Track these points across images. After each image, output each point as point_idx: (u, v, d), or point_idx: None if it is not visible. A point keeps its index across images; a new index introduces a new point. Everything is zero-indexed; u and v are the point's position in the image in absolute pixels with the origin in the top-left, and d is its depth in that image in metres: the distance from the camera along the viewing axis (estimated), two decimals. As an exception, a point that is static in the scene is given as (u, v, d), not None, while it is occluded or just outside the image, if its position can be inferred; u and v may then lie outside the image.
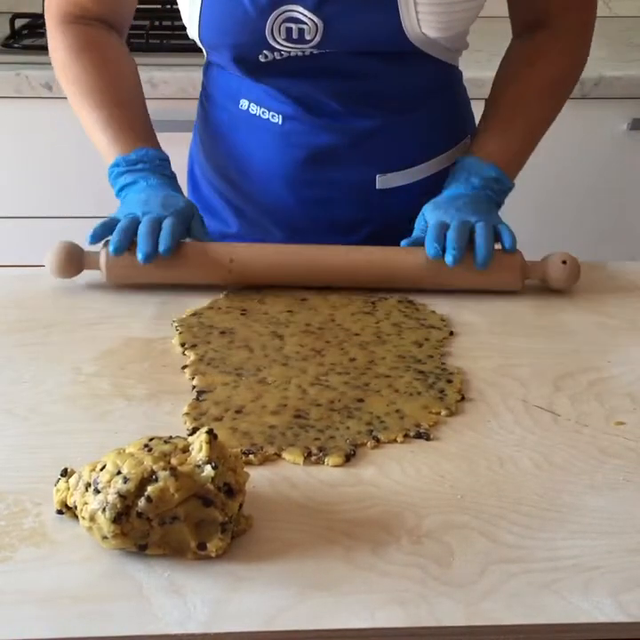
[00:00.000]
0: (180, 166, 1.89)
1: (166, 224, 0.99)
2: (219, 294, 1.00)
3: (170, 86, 1.81)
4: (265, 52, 1.04)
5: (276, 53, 1.04)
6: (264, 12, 1.00)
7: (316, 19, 1.00)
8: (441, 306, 1.00)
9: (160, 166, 1.08)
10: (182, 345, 0.91)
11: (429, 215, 1.04)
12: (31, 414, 0.80)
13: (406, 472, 0.74)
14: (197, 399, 0.82)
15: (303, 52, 1.03)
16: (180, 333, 0.93)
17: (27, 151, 1.90)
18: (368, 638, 0.60)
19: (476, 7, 1.05)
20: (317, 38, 1.01)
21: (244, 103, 1.12)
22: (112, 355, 0.89)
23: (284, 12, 1.00)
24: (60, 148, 1.88)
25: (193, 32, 1.06)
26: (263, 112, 1.11)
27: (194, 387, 0.84)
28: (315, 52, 1.03)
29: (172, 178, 1.09)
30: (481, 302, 1.01)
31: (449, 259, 0.98)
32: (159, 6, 2.03)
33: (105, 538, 0.63)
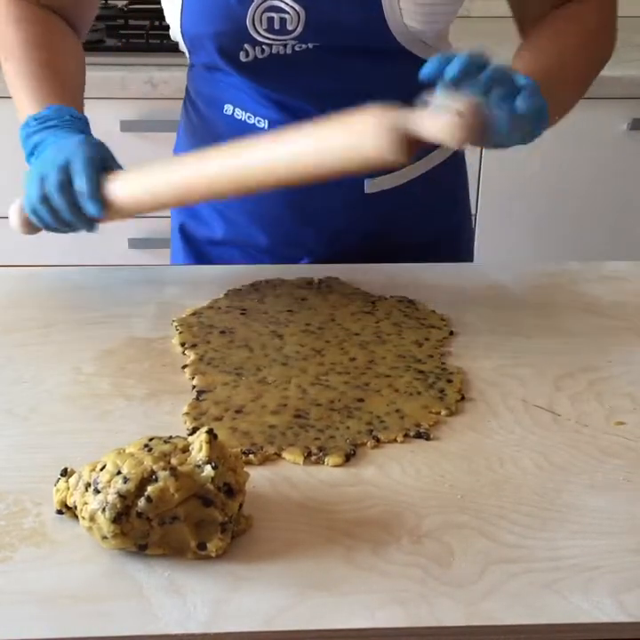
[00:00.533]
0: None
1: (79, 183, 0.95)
2: (219, 294, 1.00)
3: (170, 86, 1.81)
4: (246, 47, 1.02)
5: (257, 49, 1.02)
6: (244, 1, 0.99)
7: (297, 6, 0.99)
8: (441, 306, 1.00)
9: (70, 122, 1.02)
10: (182, 345, 0.91)
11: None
12: (31, 414, 0.80)
13: (406, 472, 0.74)
14: (197, 399, 0.82)
15: (285, 47, 1.02)
16: (180, 333, 0.93)
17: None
18: (368, 638, 0.60)
19: (457, 1, 1.04)
20: (299, 29, 1.00)
21: (228, 108, 1.11)
22: (112, 355, 0.89)
23: (265, 1, 0.99)
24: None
25: (175, 25, 1.05)
26: (248, 117, 1.10)
27: (194, 386, 0.84)
28: (297, 48, 1.02)
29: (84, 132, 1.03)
30: (481, 302, 1.01)
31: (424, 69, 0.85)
32: (159, 6, 2.03)
33: (105, 538, 0.63)
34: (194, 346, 0.90)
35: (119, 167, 0.99)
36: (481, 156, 1.94)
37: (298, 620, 0.60)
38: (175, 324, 0.94)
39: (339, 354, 0.89)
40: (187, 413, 0.80)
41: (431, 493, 0.71)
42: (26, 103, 1.03)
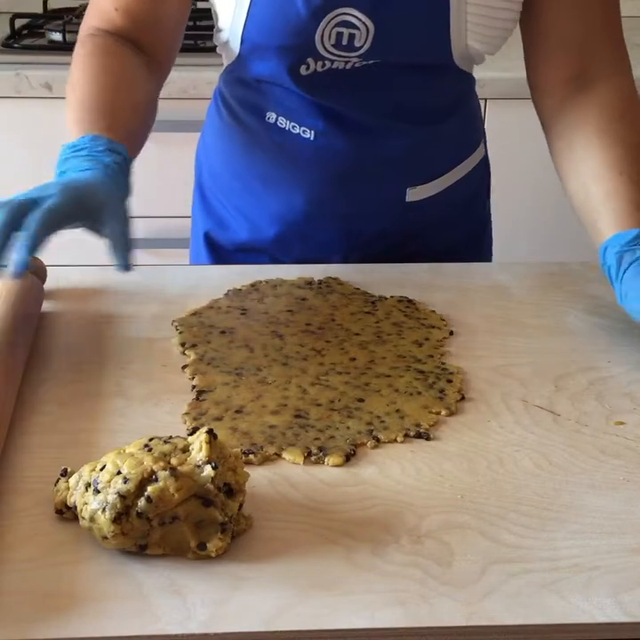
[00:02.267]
0: (179, 165, 1.88)
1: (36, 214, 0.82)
2: (219, 294, 1.00)
3: (170, 86, 1.81)
4: (309, 60, 1.01)
5: (319, 63, 1.02)
6: (317, 14, 0.98)
7: (368, 22, 0.98)
8: (441, 306, 1.00)
9: (102, 154, 0.92)
10: (182, 345, 0.91)
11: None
12: (31, 414, 0.80)
13: (406, 472, 0.74)
14: (197, 399, 0.82)
15: (346, 63, 1.02)
16: (180, 333, 0.92)
17: (27, 151, 1.90)
18: (368, 638, 0.60)
19: (514, 20, 1.03)
20: (366, 45, 1.00)
21: (271, 116, 1.09)
22: (112, 355, 0.89)
23: (337, 15, 0.98)
24: (60, 148, 1.88)
25: (234, 33, 1.02)
26: (293, 126, 1.08)
27: (194, 386, 0.84)
28: (357, 65, 1.02)
29: (112, 168, 0.91)
30: (481, 302, 1.01)
31: None
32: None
33: (105, 538, 0.63)
34: (194, 346, 0.90)
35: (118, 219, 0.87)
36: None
37: (298, 620, 0.60)
38: (175, 324, 0.94)
39: (339, 354, 0.89)
40: (187, 413, 0.80)
41: (431, 493, 0.71)
42: (72, 132, 0.99)
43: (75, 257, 1.83)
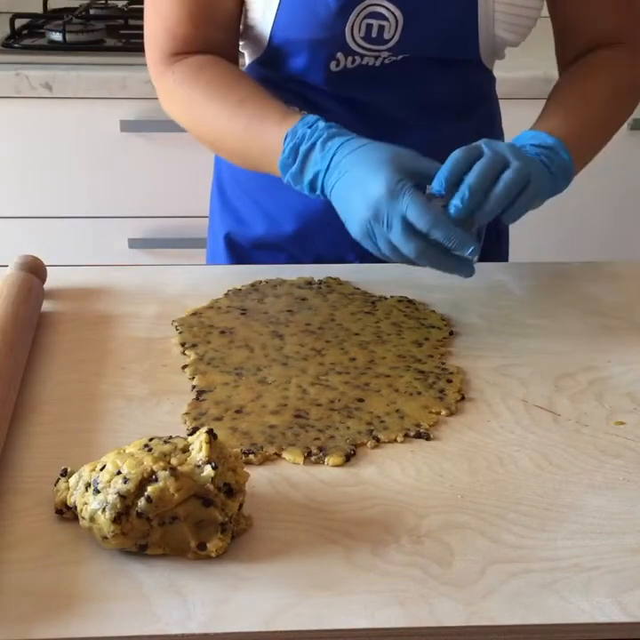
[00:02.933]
0: (179, 166, 1.89)
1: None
2: (219, 294, 1.00)
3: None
4: (339, 56, 1.02)
5: (348, 59, 1.02)
6: (347, 6, 0.99)
7: (397, 12, 0.99)
8: (441, 306, 1.00)
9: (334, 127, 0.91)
10: (182, 345, 0.91)
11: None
12: (31, 414, 0.80)
13: (406, 472, 0.74)
14: (197, 399, 0.82)
15: (376, 59, 1.03)
16: (180, 333, 0.92)
17: (27, 151, 1.90)
18: (368, 638, 0.60)
19: (539, 9, 1.05)
20: (396, 37, 1.01)
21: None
22: (112, 355, 0.89)
23: (367, 6, 0.99)
24: (60, 147, 1.88)
25: (263, 29, 1.02)
26: None
27: (194, 386, 0.84)
28: (387, 61, 1.03)
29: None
30: (481, 302, 1.01)
31: (451, 208, 0.85)
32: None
33: (105, 538, 0.63)
34: (194, 346, 0.90)
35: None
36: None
37: (298, 620, 0.60)
38: (175, 324, 0.94)
39: (339, 354, 0.89)
40: (187, 413, 0.80)
41: (431, 493, 0.71)
42: (269, 136, 0.93)
43: (75, 257, 1.83)
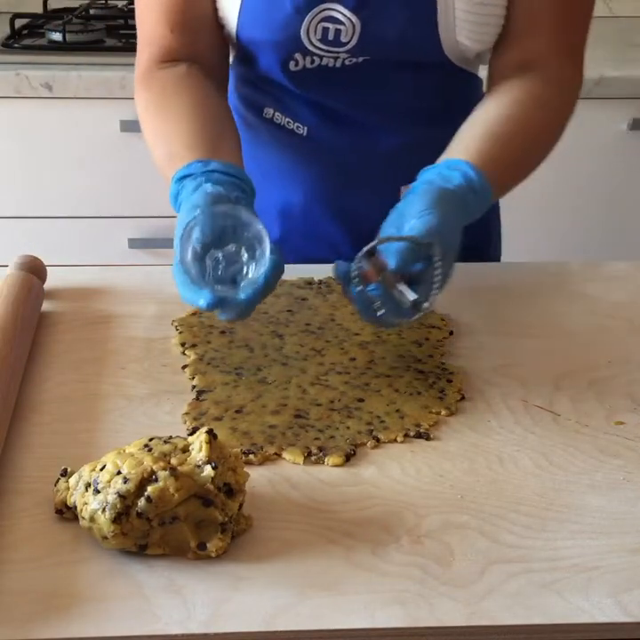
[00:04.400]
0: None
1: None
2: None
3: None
4: (297, 56, 1.02)
5: (307, 59, 1.02)
6: (301, 10, 0.99)
7: (354, 18, 0.98)
8: (441, 306, 1.00)
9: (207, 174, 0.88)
10: (182, 345, 0.91)
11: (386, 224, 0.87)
12: (31, 414, 0.80)
13: (406, 472, 0.74)
14: (197, 399, 0.82)
15: (335, 60, 1.02)
16: (180, 333, 0.92)
17: (27, 151, 1.90)
18: (368, 638, 0.60)
19: (502, 16, 1.02)
20: (353, 41, 1.00)
21: (268, 112, 1.10)
22: (112, 355, 0.89)
23: (322, 11, 0.99)
24: (60, 148, 1.88)
25: (231, 28, 1.03)
26: (288, 122, 1.09)
27: (194, 386, 0.84)
28: (347, 62, 1.02)
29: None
30: (481, 302, 1.01)
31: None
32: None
33: (105, 538, 0.63)
34: (194, 346, 0.90)
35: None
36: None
37: (298, 620, 0.60)
38: (175, 324, 0.94)
39: (339, 354, 0.89)
40: (187, 413, 0.80)
41: (431, 493, 0.71)
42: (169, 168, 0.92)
43: (75, 257, 1.83)
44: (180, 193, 0.87)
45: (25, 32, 2.02)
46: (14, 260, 0.98)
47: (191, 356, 0.89)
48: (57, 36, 1.94)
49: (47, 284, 0.99)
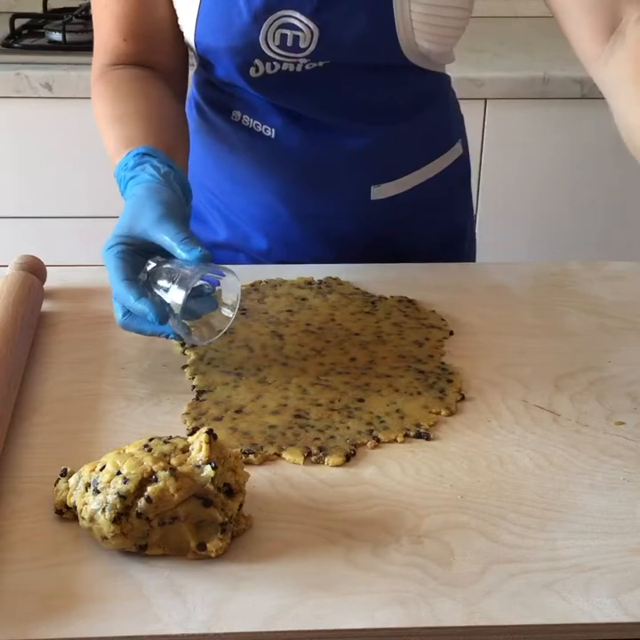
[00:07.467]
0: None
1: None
2: (219, 294, 1.00)
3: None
4: (257, 62, 1.01)
5: (267, 65, 1.01)
6: (259, 17, 0.98)
7: (311, 25, 0.98)
8: (441, 306, 1.00)
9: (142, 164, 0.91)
10: (182, 345, 0.91)
11: None
12: (31, 414, 0.80)
13: (406, 472, 0.74)
14: (197, 399, 0.82)
15: (295, 65, 1.02)
16: (180, 333, 0.92)
17: (27, 151, 1.90)
18: (368, 638, 0.60)
19: (465, 19, 1.03)
20: (312, 47, 1.00)
21: (236, 115, 1.10)
22: (112, 355, 0.89)
23: (279, 18, 0.98)
24: (60, 147, 1.88)
25: (189, 34, 1.03)
26: (256, 125, 1.09)
27: (194, 386, 0.84)
28: (308, 67, 1.02)
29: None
30: (481, 302, 1.01)
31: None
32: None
33: (105, 538, 0.63)
34: (194, 346, 0.90)
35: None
36: (481, 158, 1.94)
37: (298, 620, 0.60)
38: (175, 324, 0.94)
39: (339, 354, 0.89)
40: (187, 413, 0.80)
41: (431, 493, 0.71)
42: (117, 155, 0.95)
43: (75, 257, 1.83)
44: (137, 174, 0.89)
45: (25, 32, 2.02)
46: (14, 260, 0.98)
47: (191, 356, 0.89)
48: (57, 36, 1.95)
49: (47, 284, 0.99)
